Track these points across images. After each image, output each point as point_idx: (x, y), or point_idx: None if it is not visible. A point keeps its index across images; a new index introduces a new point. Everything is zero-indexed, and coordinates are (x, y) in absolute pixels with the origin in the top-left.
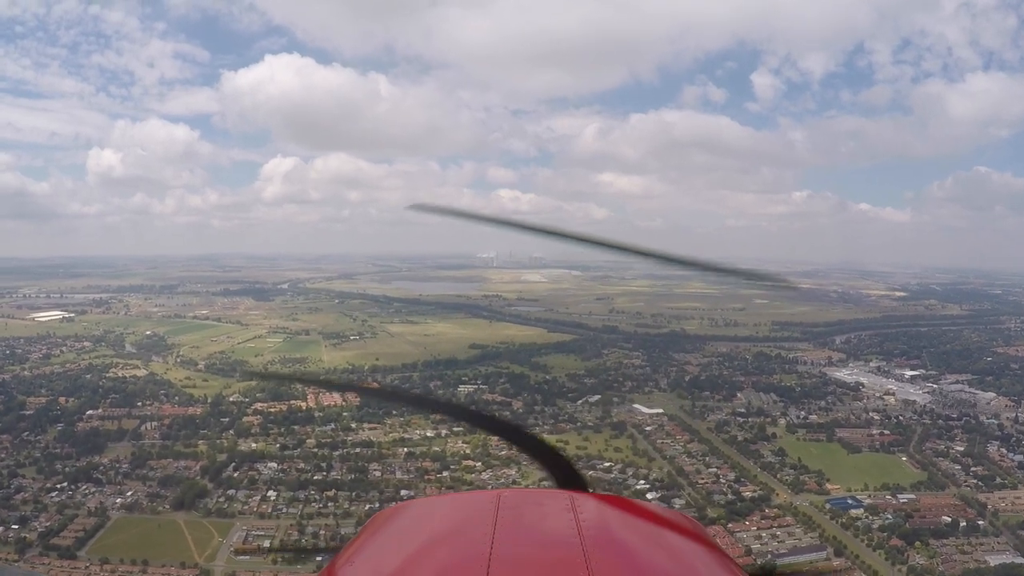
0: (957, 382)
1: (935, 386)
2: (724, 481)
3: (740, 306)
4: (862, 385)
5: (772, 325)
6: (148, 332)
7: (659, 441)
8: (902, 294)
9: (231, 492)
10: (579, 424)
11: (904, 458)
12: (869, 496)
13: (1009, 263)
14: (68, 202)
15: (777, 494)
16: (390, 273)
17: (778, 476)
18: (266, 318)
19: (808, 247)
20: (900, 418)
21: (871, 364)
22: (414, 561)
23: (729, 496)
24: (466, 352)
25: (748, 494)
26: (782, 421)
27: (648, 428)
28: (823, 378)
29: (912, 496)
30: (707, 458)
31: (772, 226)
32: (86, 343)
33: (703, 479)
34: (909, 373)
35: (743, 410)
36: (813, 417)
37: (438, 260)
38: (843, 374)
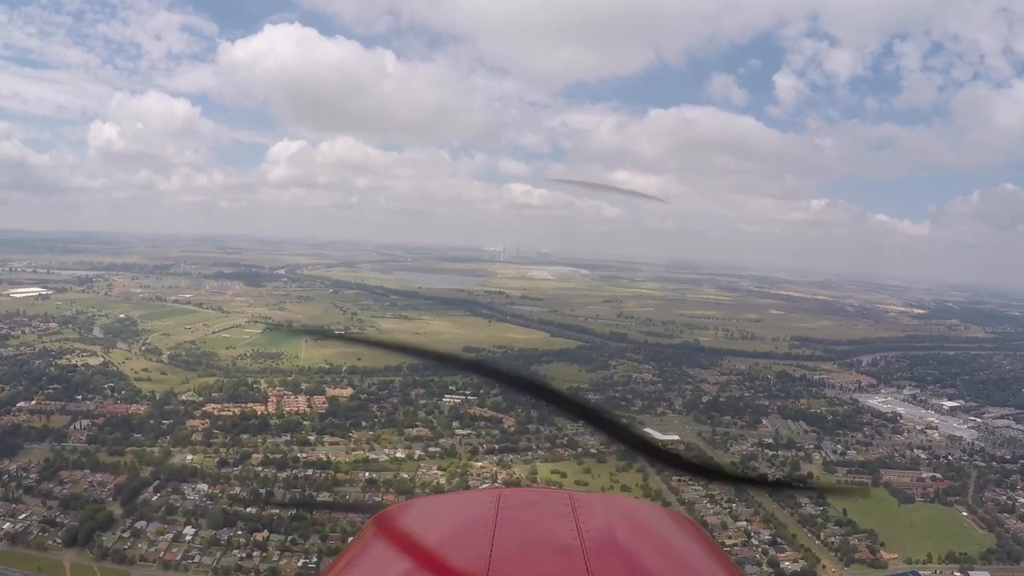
0: (1002, 416)
1: (978, 420)
2: (757, 542)
3: (756, 317)
4: (900, 416)
5: (792, 340)
6: (121, 315)
7: (675, 478)
8: (921, 311)
9: (140, 525)
10: (580, 450)
11: (965, 513)
12: (936, 573)
13: (1020, 283)
14: (76, 176)
15: (824, 566)
16: (393, 263)
17: (821, 536)
18: (251, 305)
19: (820, 256)
20: (950, 458)
21: (905, 392)
22: (415, 561)
23: (765, 568)
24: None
25: (788, 565)
26: (817, 456)
27: None
28: (855, 405)
29: (986, 573)
30: (734, 505)
31: (785, 233)
32: (52, 324)
33: (731, 538)
34: (948, 404)
35: (771, 440)
36: (851, 453)
37: (445, 252)
38: (877, 402)
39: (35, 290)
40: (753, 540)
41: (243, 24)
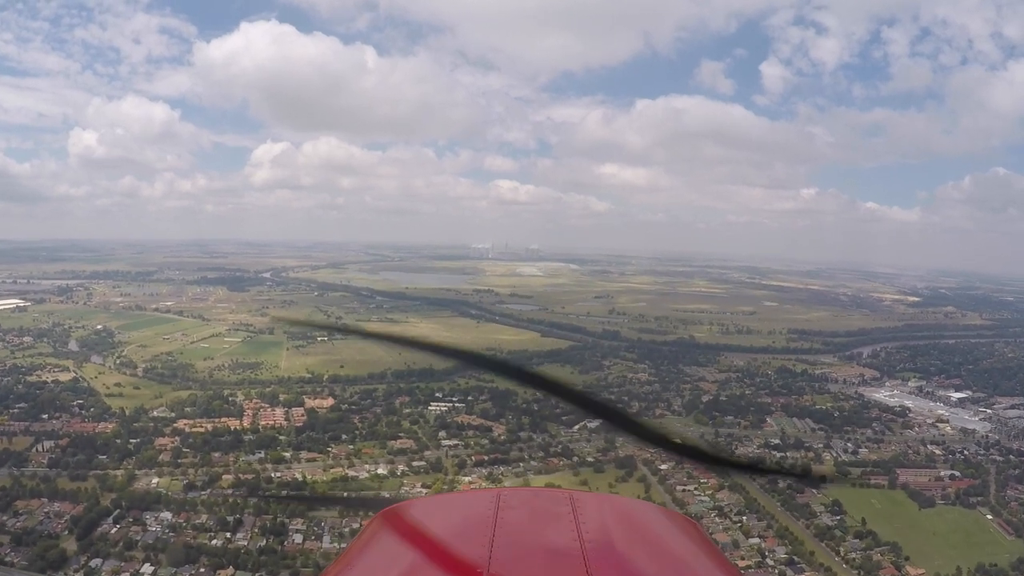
0: (1013, 406)
1: (989, 411)
2: (773, 562)
3: (750, 309)
4: (908, 410)
5: (789, 333)
6: (99, 326)
7: (679, 487)
8: (915, 299)
9: (95, 563)
10: (576, 459)
11: (989, 516)
12: None
13: (1012, 267)
14: (59, 184)
15: None
16: (381, 263)
17: (841, 551)
18: (233, 312)
19: (808, 245)
20: (965, 454)
21: (910, 384)
22: (414, 561)
23: None
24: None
25: None
26: (827, 456)
27: (663, 467)
28: (861, 400)
29: None
30: (744, 517)
31: (774, 223)
32: (27, 338)
33: (744, 559)
34: (955, 395)
35: (777, 441)
36: (863, 451)
37: (433, 250)
38: (883, 395)
39: (13, 302)
40: (768, 560)
41: (222, 25)
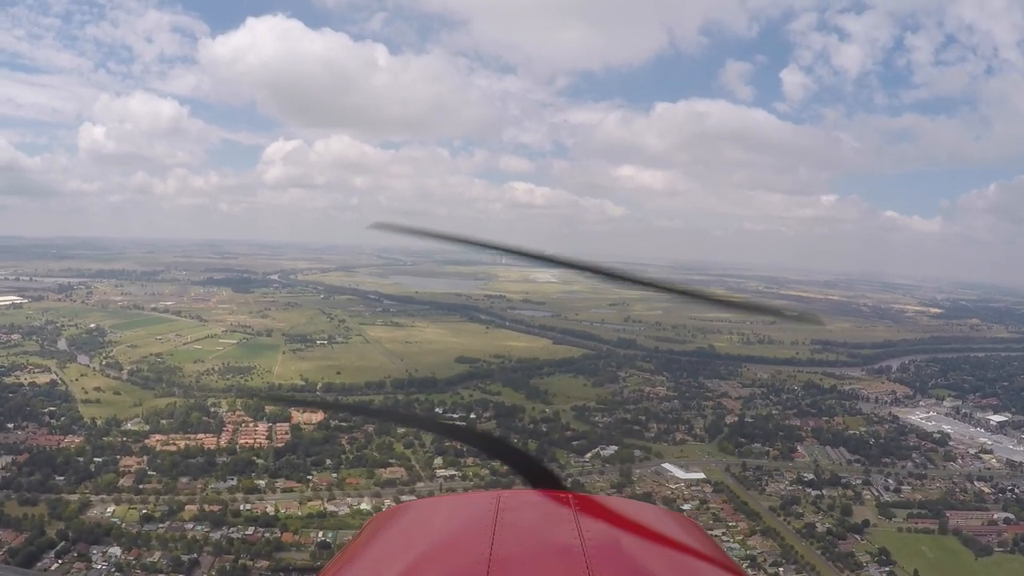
0: None
1: None
2: None
3: (771, 319)
4: (948, 437)
5: (812, 344)
6: (92, 325)
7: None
8: (938, 311)
9: None
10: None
11: None
12: None
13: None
14: (73, 181)
15: None
16: (392, 266)
17: None
18: (233, 313)
19: (825, 255)
20: (1017, 492)
21: (945, 404)
22: (414, 562)
23: None
24: (451, 368)
25: None
26: (867, 494)
27: (686, 507)
28: (896, 423)
29: None
30: (781, 569)
31: (791, 231)
32: (15, 336)
33: None
34: (995, 418)
35: (811, 476)
36: (906, 488)
37: (445, 255)
38: (918, 418)
39: (10, 299)
40: None
41: (231, 21)
